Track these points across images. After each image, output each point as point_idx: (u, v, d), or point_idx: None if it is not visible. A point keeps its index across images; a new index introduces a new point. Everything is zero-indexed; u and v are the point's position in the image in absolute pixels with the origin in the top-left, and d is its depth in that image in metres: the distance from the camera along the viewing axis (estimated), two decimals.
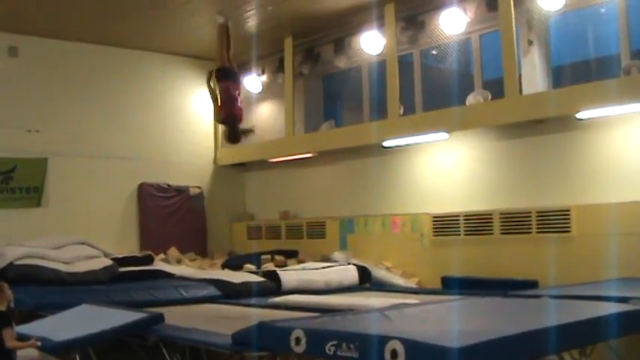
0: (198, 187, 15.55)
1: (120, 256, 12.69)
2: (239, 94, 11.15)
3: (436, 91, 12.73)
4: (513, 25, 10.75)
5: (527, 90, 10.89)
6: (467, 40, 12.24)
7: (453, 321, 6.92)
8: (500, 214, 11.27)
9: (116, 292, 10.59)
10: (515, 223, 11.09)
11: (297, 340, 5.99)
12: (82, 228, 13.24)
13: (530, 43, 11.26)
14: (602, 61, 10.95)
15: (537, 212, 10.83)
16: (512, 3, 10.77)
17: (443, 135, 11.87)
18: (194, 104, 15.80)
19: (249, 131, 11.21)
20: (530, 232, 10.89)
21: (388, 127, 12.36)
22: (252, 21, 13.31)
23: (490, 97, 11.37)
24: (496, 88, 11.17)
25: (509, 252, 11.07)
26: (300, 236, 14.52)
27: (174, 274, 12.13)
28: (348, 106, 14.99)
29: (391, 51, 12.47)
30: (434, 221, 12.19)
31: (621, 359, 7.71)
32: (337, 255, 13.01)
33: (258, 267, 12.95)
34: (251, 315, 8.60)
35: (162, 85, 15.38)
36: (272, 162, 14.99)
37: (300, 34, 13.96)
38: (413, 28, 12.44)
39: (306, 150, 13.96)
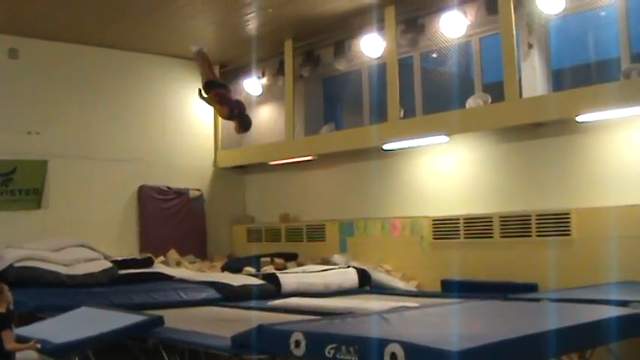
0: (198, 190, 15.54)
1: (119, 258, 12.69)
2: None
3: (436, 94, 12.73)
4: (513, 28, 10.76)
5: (527, 93, 10.89)
6: (467, 43, 12.24)
7: (453, 324, 6.91)
8: (500, 217, 11.27)
9: (116, 295, 10.58)
10: (515, 226, 11.10)
11: (297, 343, 5.99)
12: (81, 230, 13.24)
13: (530, 46, 11.26)
14: (602, 64, 10.95)
15: (537, 215, 10.83)
16: (512, 6, 10.77)
17: (443, 138, 11.88)
18: (194, 107, 15.77)
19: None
20: (530, 236, 10.90)
21: (388, 130, 12.37)
22: (252, 24, 13.32)
23: (490, 101, 11.38)
24: (496, 91, 11.17)
25: (509, 255, 11.07)
26: (300, 239, 14.52)
27: (173, 277, 12.13)
28: (348, 109, 14.99)
29: (391, 54, 12.47)
30: (434, 224, 12.19)
31: None
32: (337, 258, 13.01)
33: (258, 270, 12.95)
34: (250, 318, 8.60)
35: (163, 87, 15.38)
36: (272, 165, 15.00)
37: (301, 36, 13.96)
38: (413, 31, 12.44)
39: (306, 153, 13.97)
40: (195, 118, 15.78)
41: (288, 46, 14.23)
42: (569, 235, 10.46)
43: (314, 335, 5.99)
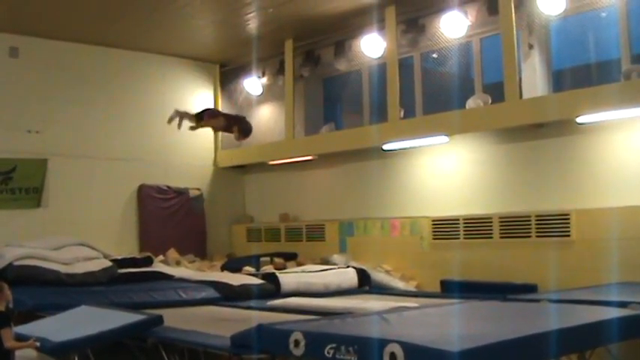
0: (198, 189, 15.54)
1: (119, 257, 12.69)
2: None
3: (436, 95, 12.74)
4: (514, 28, 10.76)
5: (527, 94, 10.89)
6: (467, 44, 12.24)
7: (452, 324, 6.91)
8: (500, 217, 11.28)
9: (115, 294, 10.58)
10: (514, 227, 11.10)
11: (296, 343, 5.99)
12: (81, 229, 13.24)
13: (530, 47, 11.27)
14: (602, 65, 10.95)
15: (537, 216, 10.83)
16: (512, 7, 10.77)
17: (443, 138, 11.88)
18: (194, 106, 15.72)
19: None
20: (529, 236, 10.90)
21: (388, 131, 12.37)
22: (252, 23, 13.32)
23: (490, 101, 11.38)
24: (496, 91, 11.17)
25: (508, 256, 11.07)
26: (300, 239, 14.52)
27: (173, 276, 12.13)
28: (348, 109, 15.00)
29: (391, 54, 12.48)
30: (433, 224, 12.20)
31: None
32: (336, 258, 13.01)
33: (258, 269, 12.95)
34: (250, 317, 8.60)
35: (163, 86, 15.37)
36: (272, 164, 15.00)
37: (301, 36, 13.96)
38: (413, 31, 12.43)
39: (306, 153, 13.97)
40: None
41: (289, 45, 14.23)
42: (568, 236, 10.46)
43: (313, 335, 5.99)
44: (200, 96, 15.87)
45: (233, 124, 10.80)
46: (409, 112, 12.62)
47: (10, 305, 7.19)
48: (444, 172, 12.38)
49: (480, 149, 11.90)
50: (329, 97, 15.44)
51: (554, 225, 10.64)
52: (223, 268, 13.43)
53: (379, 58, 12.99)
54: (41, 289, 10.59)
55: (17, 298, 8.28)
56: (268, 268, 12.93)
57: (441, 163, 12.46)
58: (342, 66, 14.00)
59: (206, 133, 15.74)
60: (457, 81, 12.42)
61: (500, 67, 10.94)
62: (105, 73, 14.58)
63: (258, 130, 15.72)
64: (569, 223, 10.47)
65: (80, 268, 11.63)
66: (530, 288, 10.10)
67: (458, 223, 11.83)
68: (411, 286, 12.05)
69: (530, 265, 10.71)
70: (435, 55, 12.77)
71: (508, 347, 5.44)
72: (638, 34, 10.36)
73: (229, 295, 11.01)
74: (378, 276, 12.26)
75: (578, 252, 10.30)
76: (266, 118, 15.85)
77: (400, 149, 12.61)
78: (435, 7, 12.03)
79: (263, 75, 15.44)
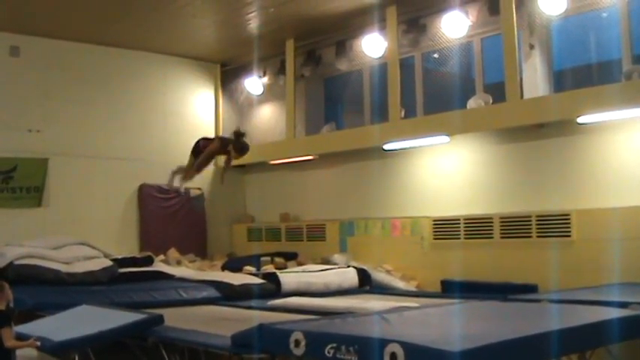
0: (199, 189, 15.53)
1: (119, 256, 12.68)
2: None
3: (437, 95, 12.75)
4: (515, 29, 10.76)
5: (528, 94, 10.89)
6: (468, 44, 12.25)
7: (453, 325, 6.91)
8: (501, 218, 11.27)
9: (116, 293, 10.58)
10: (515, 227, 11.10)
11: (297, 343, 5.99)
12: (82, 228, 13.25)
13: (531, 47, 11.27)
14: (603, 65, 10.96)
15: (537, 216, 10.83)
16: (513, 7, 10.78)
17: (444, 138, 11.88)
18: (195, 105, 15.82)
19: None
20: (530, 237, 10.90)
21: (389, 130, 12.37)
22: (253, 23, 13.32)
23: (491, 101, 11.38)
24: (497, 91, 11.17)
25: (509, 256, 11.07)
26: (300, 238, 14.52)
27: (173, 276, 12.13)
28: (349, 109, 15.00)
29: (392, 54, 12.48)
30: (434, 224, 12.19)
31: None
32: (337, 257, 13.01)
33: (258, 269, 12.94)
34: (251, 317, 8.60)
35: (164, 86, 15.39)
36: (272, 164, 15.00)
37: (302, 36, 13.96)
38: (414, 31, 12.44)
39: (307, 152, 13.98)
40: (196, 117, 15.79)
41: (290, 45, 14.24)
42: (569, 236, 10.46)
43: (314, 335, 5.98)
44: (201, 96, 15.87)
45: (227, 143, 10.78)
46: (410, 112, 12.62)
47: (11, 304, 7.19)
48: (445, 172, 12.38)
49: (481, 149, 11.90)
50: (330, 96, 15.44)
51: (554, 225, 10.63)
52: (224, 268, 13.43)
53: (380, 57, 13.00)
54: (42, 288, 10.59)
55: (18, 297, 8.27)
56: (269, 268, 12.92)
57: (441, 163, 12.46)
58: (343, 66, 14.00)
59: (206, 133, 15.77)
60: (458, 81, 12.43)
61: (501, 67, 10.94)
62: (106, 73, 14.58)
63: (259, 129, 15.77)
64: (569, 223, 10.46)
65: (81, 268, 11.63)
66: (531, 288, 10.10)
67: (458, 223, 11.82)
68: (411, 286, 12.05)
69: (530, 265, 10.70)
70: (435, 55, 12.78)
71: (508, 347, 5.44)
72: (639, 34, 10.36)
73: (230, 295, 11.00)
74: (379, 276, 12.26)
75: (578, 252, 10.29)
76: (267, 117, 15.86)
77: (401, 149, 12.61)
78: (436, 7, 12.03)
79: (264, 75, 15.45)
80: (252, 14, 12.89)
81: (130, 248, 14.16)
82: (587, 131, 10.45)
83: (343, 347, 5.59)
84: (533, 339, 5.73)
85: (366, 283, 12.11)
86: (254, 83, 15.48)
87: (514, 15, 10.77)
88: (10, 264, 11.08)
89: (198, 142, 11.00)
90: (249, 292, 11.07)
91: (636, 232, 9.71)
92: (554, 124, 10.69)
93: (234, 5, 12.56)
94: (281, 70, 14.75)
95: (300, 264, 13.32)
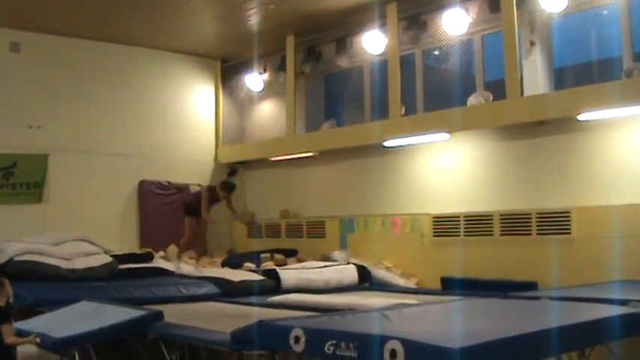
0: (199, 185, 15.53)
1: (119, 253, 12.68)
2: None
3: (438, 92, 12.74)
4: (515, 26, 10.75)
5: (528, 91, 10.89)
6: (469, 41, 12.23)
7: (453, 322, 6.91)
8: (501, 215, 11.27)
9: (116, 289, 10.58)
10: (515, 224, 11.10)
11: (297, 339, 5.98)
12: (82, 224, 13.24)
13: (532, 44, 11.26)
14: (604, 63, 10.94)
15: (537, 214, 10.83)
16: (514, 4, 10.76)
17: (444, 135, 11.87)
18: (195, 102, 15.82)
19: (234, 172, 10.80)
20: (530, 234, 10.90)
21: (389, 127, 12.37)
22: (254, 19, 13.31)
23: (491, 98, 11.38)
24: (497, 89, 11.17)
25: (509, 253, 11.07)
26: (300, 235, 14.52)
27: (173, 272, 12.13)
28: (350, 106, 14.99)
29: (393, 51, 12.47)
30: (434, 222, 12.19)
31: None
32: (337, 254, 13.01)
33: (258, 265, 12.94)
34: (251, 313, 8.61)
35: (164, 82, 15.39)
36: (273, 161, 15.00)
37: (302, 32, 13.95)
38: (415, 28, 12.43)
39: (307, 149, 13.98)
40: (197, 113, 15.81)
41: (290, 41, 14.23)
42: (569, 233, 10.46)
43: (314, 331, 5.98)
44: (201, 92, 15.88)
45: (214, 188, 10.64)
46: (410, 109, 12.62)
47: (11, 300, 7.21)
48: (445, 169, 12.38)
49: (481, 146, 11.89)
50: (330, 93, 15.43)
51: (554, 222, 10.63)
52: (224, 264, 13.42)
53: (380, 54, 12.99)
54: (41, 284, 10.59)
55: (18, 293, 8.29)
56: (269, 265, 12.91)
57: (441, 160, 12.45)
58: (343, 62, 14.00)
59: (207, 128, 15.84)
60: (458, 78, 12.40)
61: (501, 64, 10.93)
62: (106, 69, 14.58)
63: (260, 126, 15.78)
64: (569, 220, 10.47)
65: (81, 264, 11.63)
66: (531, 285, 10.09)
67: (458, 221, 11.82)
68: (411, 283, 12.06)
69: (530, 262, 10.70)
70: (436, 52, 12.76)
71: (508, 345, 5.44)
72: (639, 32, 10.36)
73: (230, 291, 11.00)
74: (379, 273, 12.26)
75: (578, 250, 10.30)
76: (267, 114, 15.86)
77: (401, 146, 12.61)
78: (437, 4, 12.02)
79: (264, 71, 15.45)
80: (253, 10, 12.89)
81: (130, 244, 14.16)
82: (588, 129, 10.44)
83: (343, 344, 5.59)
84: (533, 336, 5.73)
85: (366, 280, 12.12)
86: (254, 79, 15.48)
87: (515, 12, 10.75)
88: (10, 260, 11.08)
89: (192, 204, 10.72)
90: (248, 289, 11.07)
91: (636, 229, 9.71)
92: (554, 122, 10.69)
93: (234, 1, 12.56)
94: (281, 66, 14.75)
95: (299, 261, 13.32)
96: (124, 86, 14.84)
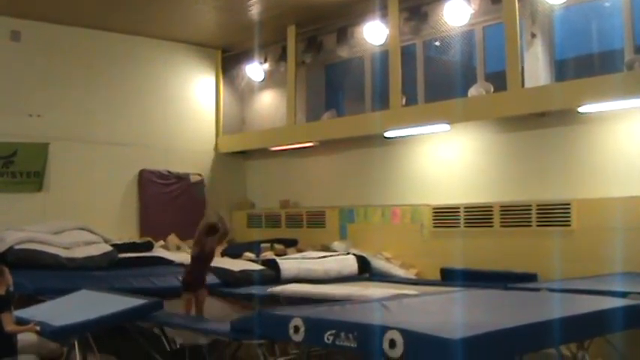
0: (199, 175, 15.54)
1: (119, 242, 12.70)
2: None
3: (438, 83, 12.72)
4: (517, 17, 10.73)
5: (529, 83, 10.88)
6: (470, 32, 12.20)
7: (452, 312, 6.93)
8: (501, 206, 11.28)
9: (116, 279, 10.58)
10: (515, 215, 11.10)
11: (296, 329, 6.00)
12: (82, 213, 13.24)
13: (533, 36, 11.24)
14: (605, 55, 10.93)
15: (538, 205, 10.83)
16: None
17: (445, 126, 11.87)
18: (196, 91, 15.80)
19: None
20: (530, 225, 10.90)
21: (390, 118, 12.35)
22: (255, 9, 13.28)
23: (492, 90, 11.36)
24: (498, 80, 11.15)
25: (509, 245, 11.08)
26: (300, 225, 14.53)
27: (173, 261, 12.13)
28: (350, 96, 14.97)
29: (394, 41, 12.45)
30: (434, 212, 12.20)
31: (619, 353, 7.71)
32: (337, 244, 13.02)
33: (258, 255, 12.96)
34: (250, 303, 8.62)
35: (165, 71, 15.37)
36: (273, 150, 15.00)
37: (303, 22, 13.92)
38: (416, 18, 12.40)
39: (308, 139, 13.97)
40: (197, 103, 15.79)
41: (291, 31, 14.20)
42: (569, 225, 10.47)
43: (313, 321, 5.99)
44: (201, 81, 15.86)
45: (206, 227, 10.04)
46: (411, 100, 12.61)
47: (11, 289, 7.21)
48: (446, 161, 12.38)
49: (482, 138, 11.89)
50: (331, 83, 15.42)
51: (554, 214, 10.64)
52: (223, 254, 13.40)
53: (382, 45, 12.96)
54: (41, 272, 10.61)
55: (17, 281, 8.30)
56: (268, 255, 12.93)
57: (442, 151, 12.45)
58: (344, 53, 13.98)
59: (207, 118, 15.83)
60: (459, 69, 12.39)
61: (502, 55, 10.92)
62: (107, 58, 14.56)
63: (260, 115, 15.77)
64: (569, 212, 10.47)
65: (80, 253, 11.64)
66: (530, 277, 10.11)
67: (458, 212, 11.83)
68: (411, 274, 12.07)
69: (530, 254, 10.71)
70: (437, 43, 12.73)
71: (508, 335, 5.46)
72: None
73: (229, 281, 11.01)
74: (379, 263, 12.26)
75: (578, 241, 10.30)
76: (267, 104, 15.84)
77: (402, 137, 12.61)
78: None
79: (265, 61, 15.42)
80: (254, 0, 12.85)
81: (129, 233, 14.18)
82: (588, 121, 10.44)
83: (342, 334, 5.60)
84: (532, 328, 5.74)
85: (366, 271, 12.12)
86: (255, 69, 15.45)
87: (516, 3, 10.73)
88: (10, 248, 11.10)
89: (183, 279, 10.04)
90: (248, 279, 11.08)
91: (636, 222, 9.72)
92: (555, 114, 10.68)
93: None
94: (282, 56, 14.73)
95: (299, 251, 13.34)
96: (125, 75, 14.82)
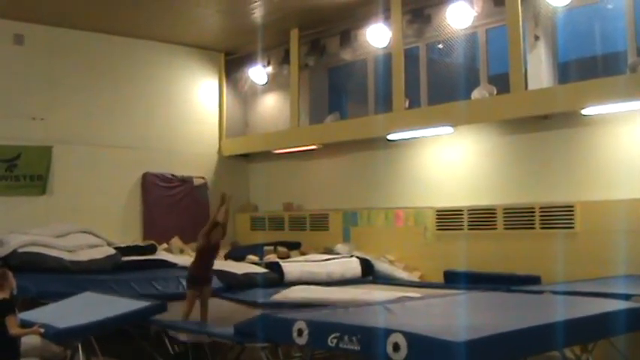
0: (202, 178, 15.54)
1: (123, 245, 12.70)
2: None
3: (442, 85, 12.72)
4: (520, 20, 10.72)
5: (532, 85, 10.87)
6: (473, 35, 12.21)
7: (456, 315, 6.92)
8: (504, 209, 11.27)
9: (119, 284, 10.56)
10: (518, 218, 11.09)
11: (300, 332, 6.00)
12: (85, 216, 13.25)
13: (536, 38, 11.24)
14: (608, 57, 10.93)
15: (541, 208, 10.82)
16: None
17: (448, 129, 11.86)
18: (199, 94, 15.81)
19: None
20: (533, 228, 10.89)
21: (393, 121, 12.35)
22: (258, 12, 13.29)
23: (495, 92, 11.36)
24: (502, 82, 11.15)
25: (512, 247, 11.06)
26: (304, 228, 14.52)
27: (176, 264, 12.13)
28: (353, 99, 14.98)
29: (397, 44, 12.44)
30: (437, 215, 12.18)
31: (623, 356, 7.71)
32: (340, 247, 13.01)
33: (261, 258, 12.96)
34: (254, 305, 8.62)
35: (168, 74, 15.38)
36: (276, 153, 15.00)
37: (307, 25, 13.93)
38: (419, 21, 12.40)
39: (311, 142, 13.97)
40: (200, 106, 15.79)
41: (294, 35, 14.21)
42: (572, 227, 10.45)
43: (317, 324, 6.00)
44: (205, 84, 15.87)
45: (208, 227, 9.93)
46: (414, 103, 12.61)
47: (14, 292, 7.21)
48: (449, 163, 12.37)
49: (485, 140, 11.88)
50: (334, 86, 15.43)
51: (558, 217, 10.63)
52: (227, 257, 13.42)
53: (385, 48, 12.97)
54: (45, 276, 10.61)
55: (21, 285, 8.31)
56: (272, 257, 12.93)
57: (445, 153, 12.45)
58: (347, 55, 13.99)
59: (211, 121, 15.84)
60: (462, 71, 12.39)
61: (505, 58, 10.91)
62: (110, 61, 14.58)
63: (263, 119, 15.78)
64: (573, 214, 10.45)
65: (84, 256, 11.65)
66: (534, 279, 10.09)
67: (462, 214, 11.82)
68: (414, 277, 12.06)
69: (533, 256, 10.70)
70: (440, 46, 12.73)
71: (512, 338, 5.46)
72: None
73: (233, 284, 11.01)
74: (382, 266, 12.26)
75: (581, 244, 10.29)
76: (271, 107, 15.86)
77: (405, 139, 12.60)
78: None
79: (268, 64, 15.43)
80: (257, 3, 12.87)
81: (133, 237, 14.19)
82: (592, 123, 10.43)
83: (346, 337, 5.60)
84: (536, 330, 5.74)
85: (369, 273, 12.12)
86: (258, 72, 15.46)
87: (519, 6, 10.73)
88: (14, 252, 11.10)
89: (190, 274, 9.92)
90: (252, 282, 11.08)
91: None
92: (558, 116, 10.67)
93: None
94: (285, 59, 14.73)
95: (303, 253, 13.34)
96: (128, 78, 14.83)
